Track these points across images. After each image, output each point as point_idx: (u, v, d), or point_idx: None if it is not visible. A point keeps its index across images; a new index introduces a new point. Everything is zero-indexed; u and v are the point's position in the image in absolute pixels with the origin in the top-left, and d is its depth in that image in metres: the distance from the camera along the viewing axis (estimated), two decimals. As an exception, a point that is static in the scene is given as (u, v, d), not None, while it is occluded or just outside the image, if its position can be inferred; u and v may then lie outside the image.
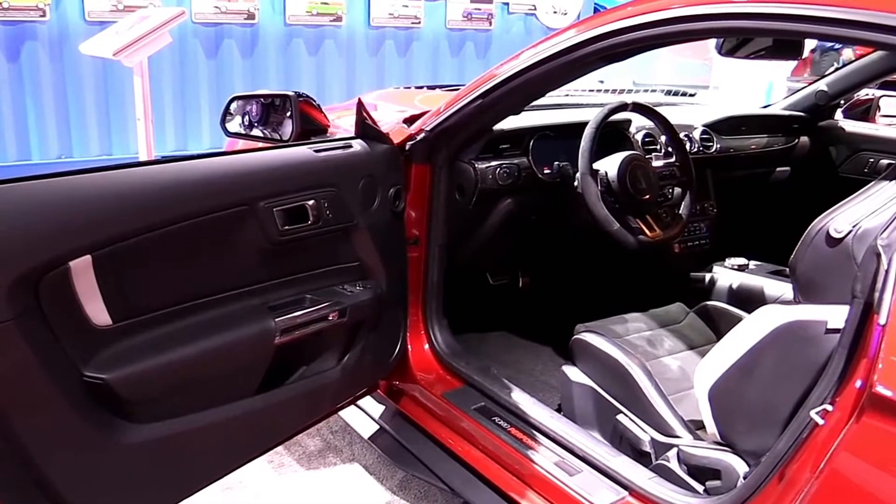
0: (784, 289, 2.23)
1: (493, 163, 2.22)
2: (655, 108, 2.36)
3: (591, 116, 2.24)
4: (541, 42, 1.91)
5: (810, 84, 2.99)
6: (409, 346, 2.20)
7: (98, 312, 1.38)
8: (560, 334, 2.66)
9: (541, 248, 2.54)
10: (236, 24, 6.24)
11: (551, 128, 2.33)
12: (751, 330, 1.59)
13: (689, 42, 1.71)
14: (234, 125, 2.23)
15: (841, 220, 1.41)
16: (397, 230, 2.07)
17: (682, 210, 2.34)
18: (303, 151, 1.80)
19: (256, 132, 2.14)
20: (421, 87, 3.28)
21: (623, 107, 2.22)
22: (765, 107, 3.15)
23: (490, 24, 7.66)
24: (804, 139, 2.98)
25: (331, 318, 1.80)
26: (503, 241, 2.35)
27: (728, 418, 1.65)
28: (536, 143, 2.29)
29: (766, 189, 2.92)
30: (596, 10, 8.67)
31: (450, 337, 2.23)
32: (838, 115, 3.05)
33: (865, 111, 3.06)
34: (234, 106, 2.24)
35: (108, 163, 2.12)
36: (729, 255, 2.51)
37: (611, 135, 2.42)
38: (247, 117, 2.18)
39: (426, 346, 2.23)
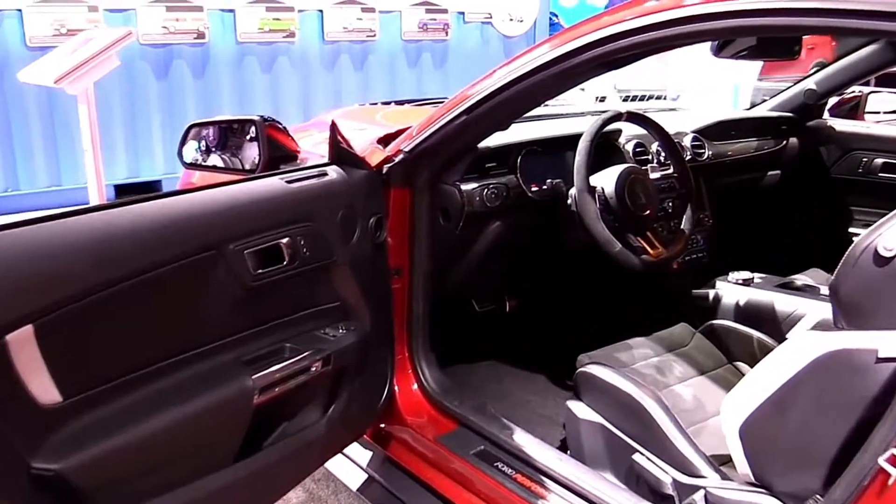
0: (796, 304, 2.09)
1: (480, 183, 2.05)
2: (650, 117, 2.21)
3: (581, 127, 2.08)
4: (531, 50, 1.74)
5: (796, 83, 2.88)
6: (397, 388, 2.01)
7: (44, 389, 1.17)
8: (553, 361, 2.49)
9: (530, 271, 2.36)
10: (186, 44, 6.00)
11: (539, 142, 2.16)
12: (787, 360, 1.44)
13: (700, 43, 1.54)
14: (193, 155, 2.02)
15: (890, 236, 1.26)
16: (380, 263, 1.88)
17: (684, 224, 2.19)
18: (274, 183, 1.61)
19: (218, 162, 1.93)
20: (388, 103, 3.10)
21: (617, 116, 2.06)
22: (750, 108, 3.03)
23: (446, 34, 7.53)
24: (793, 140, 2.86)
25: (313, 369, 1.61)
26: (492, 265, 2.18)
27: (762, 457, 1.49)
28: (524, 159, 2.12)
29: (759, 195, 2.79)
30: (551, 19, 8.58)
31: (439, 373, 2.05)
32: (825, 114, 2.94)
33: (853, 109, 2.96)
34: (192, 134, 2.03)
35: (58, 195, 1.89)
36: (728, 267, 2.36)
37: (600, 147, 2.26)
38: (207, 146, 1.97)
39: (414, 386, 2.05)
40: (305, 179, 1.66)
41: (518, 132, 2.13)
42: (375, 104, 3.16)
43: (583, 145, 1.97)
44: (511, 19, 7.96)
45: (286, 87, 6.59)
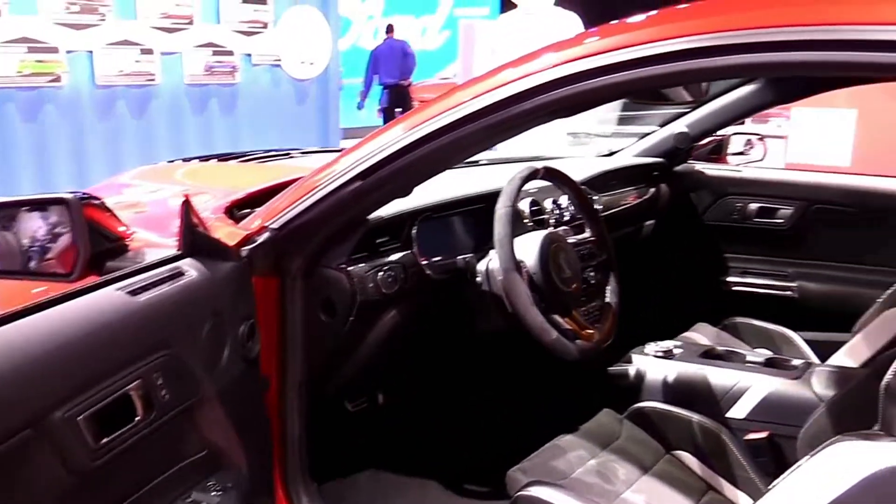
0: (731, 377, 1.83)
1: (372, 264, 1.61)
2: (565, 172, 1.88)
3: (482, 184, 1.72)
4: (449, 95, 1.35)
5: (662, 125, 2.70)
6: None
7: None
8: (451, 465, 2.08)
9: (429, 363, 1.94)
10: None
11: (435, 207, 1.75)
12: (823, 479, 1.13)
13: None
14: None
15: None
16: (253, 385, 1.40)
17: (609, 297, 1.87)
18: (111, 298, 1.08)
19: (10, 265, 1.32)
20: (207, 158, 2.57)
21: (534, 174, 1.71)
22: (610, 154, 2.82)
23: (234, 77, 6.95)
24: (664, 187, 2.67)
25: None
26: (382, 362, 1.74)
27: None
28: (420, 229, 1.70)
29: (638, 248, 2.56)
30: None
31: None
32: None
33: (715, 151, 2.83)
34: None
35: None
36: (635, 333, 2.07)
37: (490, 209, 1.90)
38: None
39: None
40: (155, 286, 1.15)
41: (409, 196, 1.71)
42: (190, 160, 2.60)
43: (502, 212, 1.60)
44: (302, 62, 7.52)
45: (54, 140, 5.70)
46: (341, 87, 8.26)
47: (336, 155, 1.52)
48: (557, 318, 1.63)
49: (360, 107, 9.80)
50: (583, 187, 2.08)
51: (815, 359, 2.27)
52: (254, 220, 1.52)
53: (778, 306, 2.56)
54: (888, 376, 1.09)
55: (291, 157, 2.41)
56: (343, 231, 1.53)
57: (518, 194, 1.63)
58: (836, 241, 2.53)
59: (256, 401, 1.42)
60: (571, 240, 1.83)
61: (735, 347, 2.31)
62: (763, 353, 2.06)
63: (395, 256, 1.65)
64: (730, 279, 2.69)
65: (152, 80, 6.31)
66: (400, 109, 9.47)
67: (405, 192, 1.51)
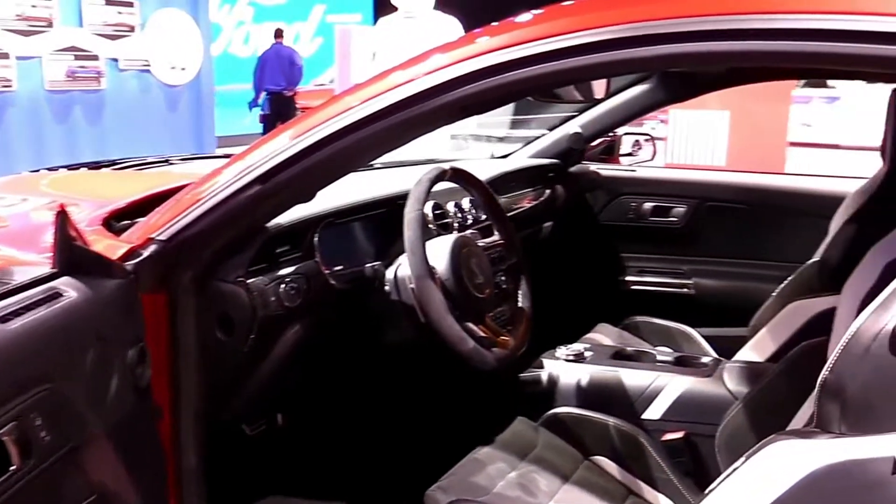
0: (645, 378, 1.81)
1: (273, 276, 1.48)
2: (472, 173, 1.80)
3: (380, 188, 1.63)
4: (358, 90, 1.25)
5: (551, 128, 2.67)
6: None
7: None
8: (363, 487, 1.96)
9: (333, 379, 1.81)
10: None
11: (337, 213, 1.64)
12: (764, 476, 1.10)
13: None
14: None
15: (911, 316, 0.97)
16: (145, 417, 1.25)
17: (522, 302, 1.80)
18: (-25, 326, 0.92)
19: None
20: (77, 168, 2.36)
21: (442, 175, 1.62)
22: (505, 156, 2.77)
23: (100, 83, 6.56)
24: (559, 188, 2.65)
25: None
26: (284, 381, 1.61)
27: None
28: (323, 236, 1.59)
29: (540, 250, 2.52)
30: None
31: None
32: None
33: (606, 151, 2.84)
34: None
35: None
36: (538, 336, 2.02)
37: (394, 214, 1.81)
38: None
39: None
40: (29, 310, 0.99)
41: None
42: (56, 169, 2.38)
43: (411, 216, 1.50)
44: (173, 68, 7.19)
45: None
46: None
47: (226, 160, 1.40)
48: (471, 325, 1.56)
49: (251, 107, 9.54)
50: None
51: (714, 354, 2.30)
52: (138, 232, 1.37)
53: (676, 304, 2.58)
54: (825, 373, 1.06)
55: (171, 164, 2.24)
56: (240, 240, 1.40)
57: (427, 197, 1.54)
58: (730, 237, 2.58)
59: (149, 433, 1.27)
60: (480, 243, 1.76)
61: (637, 346, 2.31)
62: (670, 352, 2.05)
63: (296, 267, 1.53)
64: (628, 278, 2.69)
65: (8, 86, 5.89)
66: (282, 119, 9.25)
67: (308, 196, 1.39)
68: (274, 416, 1.86)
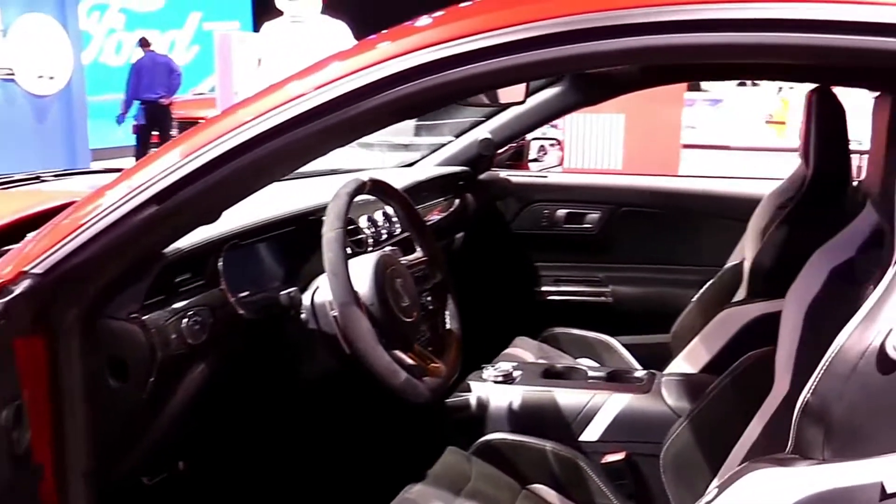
0: (584, 397, 1.71)
1: (172, 309, 1.29)
2: (391, 185, 1.65)
3: (291, 202, 1.47)
4: (268, 94, 1.09)
5: (457, 135, 2.55)
6: None
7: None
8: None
9: (232, 418, 1.62)
10: None
11: (242, 233, 1.46)
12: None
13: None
14: None
15: (896, 332, 0.90)
16: (25, 488, 1.05)
17: (450, 323, 1.66)
18: None
19: None
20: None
21: (361, 188, 1.46)
22: (411, 164, 2.64)
23: (-44, 93, 6.06)
24: (470, 197, 2.54)
25: None
26: (189, 425, 1.41)
27: None
28: (227, 260, 1.40)
29: (454, 262, 2.40)
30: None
31: None
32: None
33: (515, 157, 2.74)
34: None
35: None
36: (467, 358, 1.89)
37: (305, 231, 1.65)
38: None
39: None
40: None
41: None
42: None
43: (331, 236, 1.34)
44: (40, 77, 6.70)
45: None
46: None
47: (107, 175, 1.21)
48: (400, 353, 1.41)
49: (119, 121, 9.02)
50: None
51: (636, 363, 2.23)
52: (7, 264, 1.15)
53: (594, 312, 2.51)
54: (807, 396, 0.98)
55: (43, 181, 1.98)
56: (133, 270, 1.21)
57: (347, 213, 1.38)
58: (645, 242, 2.53)
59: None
60: (402, 260, 1.61)
61: (558, 359, 2.22)
62: (601, 367, 1.97)
63: (199, 296, 1.34)
64: (544, 288, 2.61)
65: None
66: (158, 129, 8.82)
67: (212, 216, 1.22)
68: (175, 464, 1.65)
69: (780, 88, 10.69)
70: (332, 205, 1.38)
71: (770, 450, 1.25)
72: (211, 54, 8.00)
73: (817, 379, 0.97)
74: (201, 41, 14.06)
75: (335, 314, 1.36)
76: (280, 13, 4.72)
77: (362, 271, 1.40)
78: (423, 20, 1.10)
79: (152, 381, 1.24)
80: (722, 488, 1.06)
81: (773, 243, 1.75)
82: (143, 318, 1.23)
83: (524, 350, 2.21)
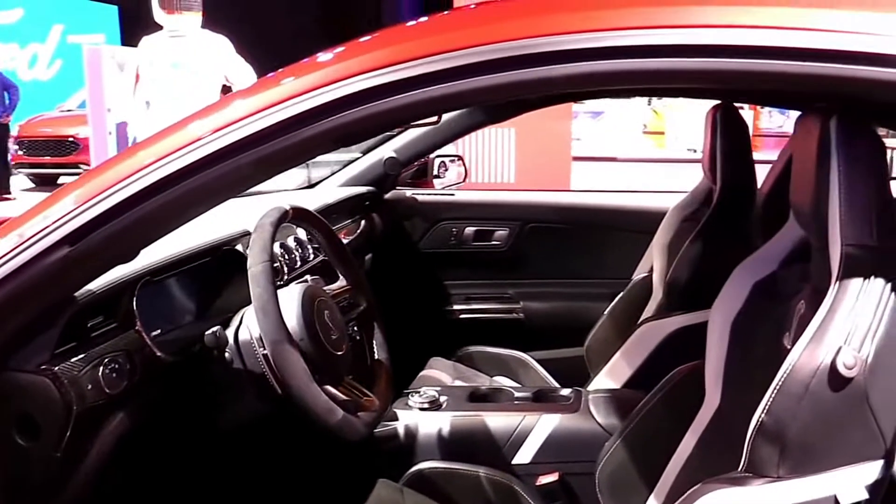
0: (514, 420, 1.69)
1: (86, 357, 1.18)
2: (312, 211, 1.57)
3: (202, 232, 1.39)
4: (198, 118, 1.02)
5: (363, 153, 2.50)
6: None
7: None
8: None
9: (153, 471, 1.50)
10: None
11: (155, 269, 1.35)
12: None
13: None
14: None
15: (848, 351, 0.92)
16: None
17: (378, 353, 1.60)
18: None
19: None
20: None
21: (284, 217, 1.38)
22: (313, 185, 2.56)
23: None
24: (376, 217, 2.49)
25: None
26: (107, 483, 1.30)
27: None
28: (141, 299, 1.30)
29: None
30: None
31: None
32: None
33: (419, 174, 2.71)
34: None
35: None
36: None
37: (217, 263, 1.57)
38: None
39: None
40: None
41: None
42: None
43: (258, 269, 1.25)
44: None
45: None
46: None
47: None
48: (331, 389, 1.34)
49: None
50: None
51: (551, 379, 2.24)
52: None
53: (507, 329, 2.51)
54: (762, 416, 0.99)
55: None
56: (42, 318, 1.10)
57: (272, 244, 1.31)
58: (554, 258, 2.55)
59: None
60: (326, 290, 1.55)
61: (474, 379, 2.20)
62: (522, 387, 1.96)
63: (114, 340, 1.24)
64: (456, 307, 2.59)
65: None
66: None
67: (129, 256, 1.12)
68: None
69: (650, 100, 11.15)
70: (256, 237, 1.31)
71: (706, 463, 1.26)
72: (77, 69, 7.60)
73: (771, 399, 0.98)
74: (65, 55, 13.40)
75: (265, 352, 1.29)
76: (156, 27, 4.55)
77: (288, 305, 1.33)
78: (339, 50, 1.06)
79: (68, 437, 1.13)
80: (679, 509, 1.06)
81: (688, 257, 1.79)
82: (55, 368, 1.12)
83: (440, 371, 2.19)
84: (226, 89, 4.59)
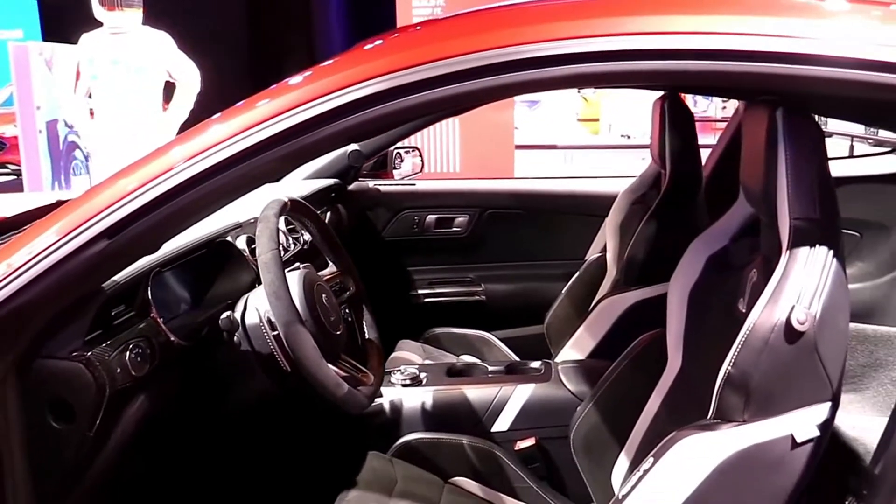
0: (491, 391, 1.82)
1: (113, 343, 1.27)
2: (306, 203, 1.67)
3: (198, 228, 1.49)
4: (231, 116, 1.12)
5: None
6: None
7: None
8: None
9: (169, 452, 1.58)
10: None
11: (165, 260, 1.44)
12: (680, 471, 1.17)
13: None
14: None
15: (801, 308, 1.08)
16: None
17: (369, 333, 1.71)
18: None
19: None
20: None
21: (284, 208, 1.49)
22: (276, 179, 2.63)
23: None
24: (342, 208, 2.59)
25: None
26: (131, 464, 1.39)
27: None
28: (156, 288, 1.39)
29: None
30: None
31: None
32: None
33: (380, 166, 2.82)
34: None
35: None
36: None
37: (214, 253, 1.66)
38: None
39: None
40: None
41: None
42: None
43: (269, 257, 1.36)
44: None
45: None
46: None
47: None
48: (333, 367, 1.46)
49: None
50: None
51: (514, 356, 2.39)
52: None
53: (470, 311, 2.65)
54: (728, 368, 1.14)
55: None
56: (74, 308, 1.18)
57: (278, 233, 1.41)
58: (512, 241, 2.69)
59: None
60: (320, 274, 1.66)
61: (441, 358, 2.33)
62: (495, 361, 2.10)
63: (137, 328, 1.32)
64: (420, 292, 2.71)
65: None
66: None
67: (154, 247, 1.22)
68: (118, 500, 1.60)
69: (579, 89, 11.46)
70: (262, 227, 1.41)
71: (671, 419, 1.41)
72: (6, 65, 7.41)
73: (736, 353, 1.13)
74: (-14, 51, 12.93)
75: (276, 334, 1.39)
76: (79, 22, 4.51)
77: (292, 290, 1.44)
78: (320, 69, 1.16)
79: (100, 418, 1.22)
80: (657, 457, 1.21)
81: (643, 237, 1.94)
82: (87, 354, 1.21)
83: (409, 352, 2.31)
84: (168, 86, 4.59)
